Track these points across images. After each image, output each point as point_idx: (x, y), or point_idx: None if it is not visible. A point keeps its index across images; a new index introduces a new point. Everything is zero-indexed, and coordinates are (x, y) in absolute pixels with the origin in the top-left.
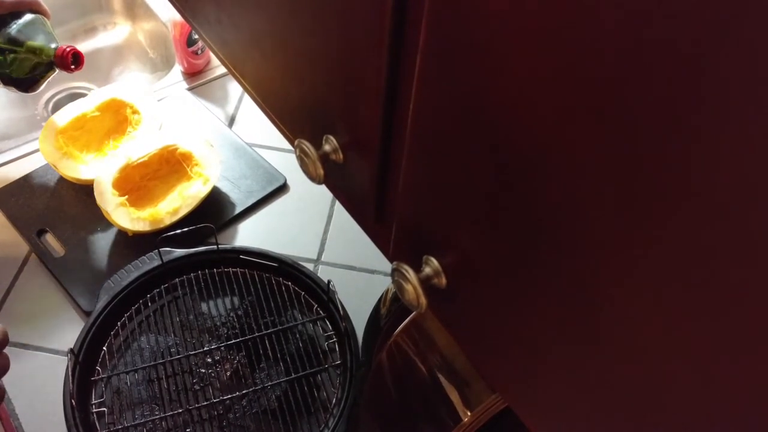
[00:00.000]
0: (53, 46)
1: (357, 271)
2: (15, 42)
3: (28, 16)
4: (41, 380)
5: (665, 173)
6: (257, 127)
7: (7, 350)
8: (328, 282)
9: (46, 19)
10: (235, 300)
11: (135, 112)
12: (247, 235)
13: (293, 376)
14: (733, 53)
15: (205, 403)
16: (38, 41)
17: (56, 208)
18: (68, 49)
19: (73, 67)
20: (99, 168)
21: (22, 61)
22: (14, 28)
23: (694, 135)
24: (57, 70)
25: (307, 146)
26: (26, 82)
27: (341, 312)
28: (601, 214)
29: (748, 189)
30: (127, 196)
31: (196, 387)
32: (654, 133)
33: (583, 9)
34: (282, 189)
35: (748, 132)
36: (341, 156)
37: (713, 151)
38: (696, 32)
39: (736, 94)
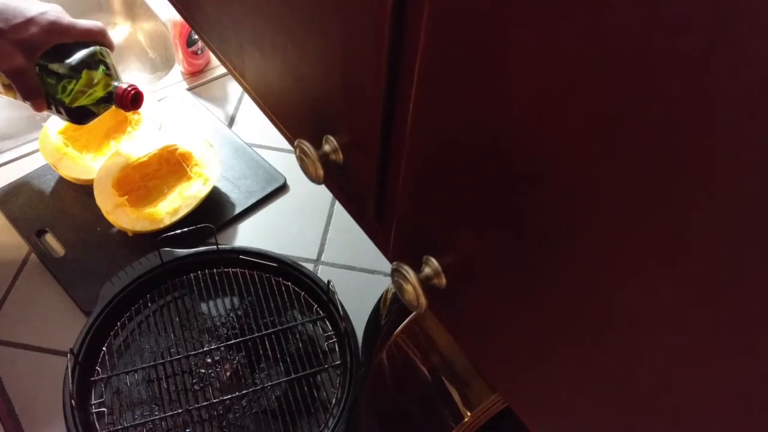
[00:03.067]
0: (115, 83)
1: (357, 271)
2: (76, 72)
3: (92, 48)
4: (41, 380)
5: (671, 179)
6: (257, 128)
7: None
8: (328, 282)
9: (110, 52)
10: (235, 300)
11: (135, 111)
12: (247, 235)
13: (293, 376)
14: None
15: (205, 403)
16: (100, 74)
17: (56, 208)
18: (129, 89)
19: (131, 106)
20: (99, 168)
21: (80, 93)
22: (78, 58)
23: (698, 144)
24: (113, 107)
25: (307, 146)
26: (80, 113)
27: (341, 312)
28: (603, 216)
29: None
30: (127, 197)
31: (196, 387)
32: (657, 137)
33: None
34: (282, 189)
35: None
36: (341, 156)
37: (714, 150)
38: (705, 40)
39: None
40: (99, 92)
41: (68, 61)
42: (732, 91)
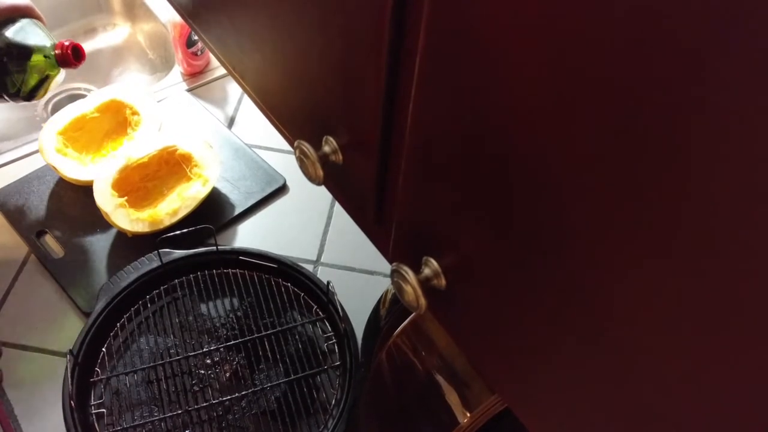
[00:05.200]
0: (49, 44)
1: (356, 272)
2: (13, 47)
3: (22, 21)
4: (40, 381)
5: (670, 176)
6: (257, 128)
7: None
8: (328, 283)
9: (40, 22)
10: (235, 301)
11: (135, 113)
12: (247, 236)
13: (293, 377)
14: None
15: (205, 404)
16: (36, 43)
17: (56, 209)
18: (67, 44)
19: (75, 62)
20: (98, 169)
21: (21, 67)
22: (10, 33)
23: (696, 138)
24: (59, 73)
25: (307, 147)
26: (29, 89)
27: (341, 313)
28: (603, 216)
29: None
30: (126, 197)
31: (196, 388)
32: (657, 134)
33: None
34: (281, 190)
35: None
36: (341, 157)
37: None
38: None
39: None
40: (42, 61)
41: (2, 38)
42: (729, 90)
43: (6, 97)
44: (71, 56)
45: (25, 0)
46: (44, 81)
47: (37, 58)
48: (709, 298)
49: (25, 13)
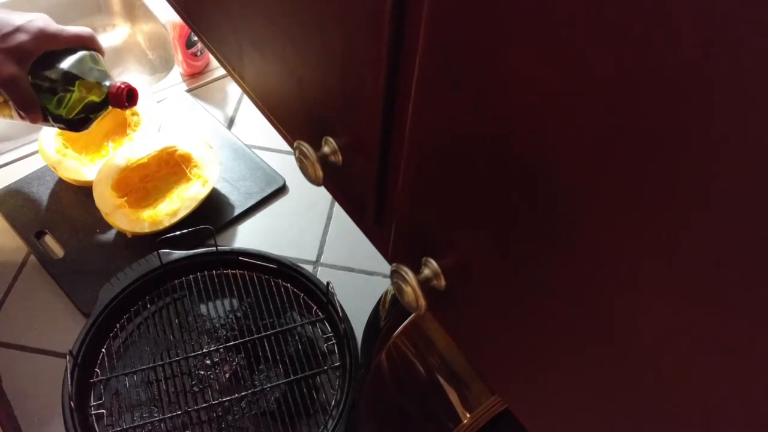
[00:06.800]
0: (107, 83)
1: (356, 272)
2: (68, 78)
3: (82, 53)
4: (40, 382)
5: (676, 180)
6: (256, 129)
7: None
8: (327, 283)
9: (100, 56)
10: (234, 302)
11: (134, 113)
12: (246, 236)
13: (292, 377)
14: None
15: (204, 405)
16: (92, 78)
17: (55, 209)
18: (122, 86)
19: (127, 104)
20: (98, 169)
21: (74, 99)
22: (68, 64)
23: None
24: (110, 108)
25: (307, 148)
26: (77, 120)
27: (340, 314)
28: (603, 218)
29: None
30: (126, 198)
31: (195, 389)
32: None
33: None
34: (281, 191)
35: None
36: (340, 158)
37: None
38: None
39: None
40: (93, 97)
41: (60, 66)
42: (730, 93)
43: (52, 123)
44: (124, 98)
45: (89, 31)
46: (92, 117)
47: (90, 95)
48: (714, 304)
49: (86, 44)
